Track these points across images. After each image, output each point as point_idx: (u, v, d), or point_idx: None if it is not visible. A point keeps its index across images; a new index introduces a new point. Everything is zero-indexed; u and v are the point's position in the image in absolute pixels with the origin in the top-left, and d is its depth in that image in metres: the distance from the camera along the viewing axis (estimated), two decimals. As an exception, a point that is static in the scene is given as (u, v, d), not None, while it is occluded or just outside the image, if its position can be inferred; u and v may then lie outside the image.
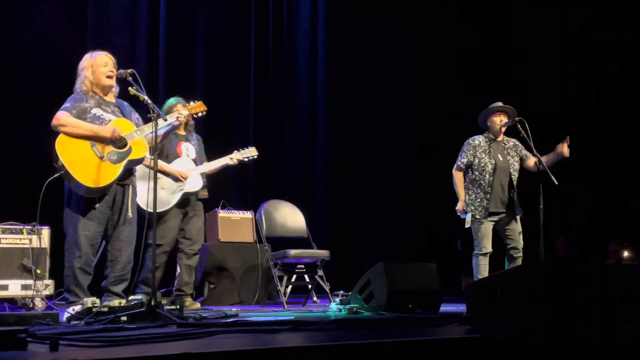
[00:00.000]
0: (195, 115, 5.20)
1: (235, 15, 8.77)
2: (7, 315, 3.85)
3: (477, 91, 8.66)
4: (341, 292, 6.05)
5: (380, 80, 9.49)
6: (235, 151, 5.87)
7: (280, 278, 6.05)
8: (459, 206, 5.84)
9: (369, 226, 9.43)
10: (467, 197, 5.80)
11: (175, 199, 5.50)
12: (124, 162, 4.53)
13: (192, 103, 5.14)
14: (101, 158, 4.44)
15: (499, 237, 5.86)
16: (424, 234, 9.32)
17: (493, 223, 5.74)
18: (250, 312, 5.16)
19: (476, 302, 3.92)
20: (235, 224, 6.94)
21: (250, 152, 5.91)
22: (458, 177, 5.88)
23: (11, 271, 5.39)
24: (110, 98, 4.71)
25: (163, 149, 5.51)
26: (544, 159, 5.64)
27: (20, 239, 5.47)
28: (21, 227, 5.48)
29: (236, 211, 7.03)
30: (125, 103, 4.81)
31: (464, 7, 9.57)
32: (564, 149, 5.59)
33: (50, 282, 5.49)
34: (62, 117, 4.45)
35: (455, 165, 5.89)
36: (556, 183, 5.36)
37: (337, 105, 9.38)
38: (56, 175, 4.41)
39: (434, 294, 5.04)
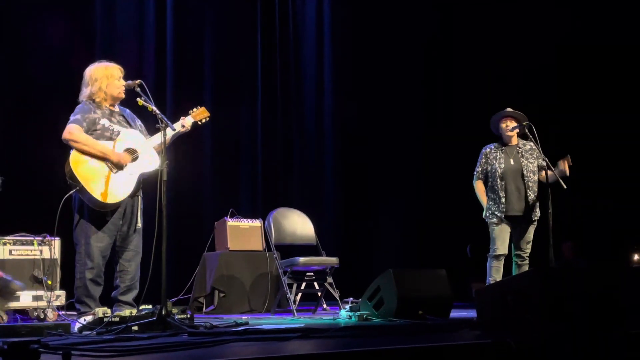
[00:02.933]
0: (199, 122, 4.91)
1: (242, 23, 8.79)
2: (19, 326, 3.87)
3: (489, 95, 8.65)
4: (351, 299, 6.05)
5: (388, 86, 9.47)
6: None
7: (290, 286, 6.05)
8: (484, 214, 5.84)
9: (378, 233, 9.41)
10: (487, 204, 5.79)
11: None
12: (137, 176, 4.55)
13: (195, 110, 4.92)
14: (115, 173, 4.45)
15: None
16: (433, 239, 9.29)
17: (509, 226, 5.72)
18: (261, 320, 5.16)
19: (487, 307, 3.91)
20: (244, 232, 6.94)
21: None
22: (478, 186, 5.90)
23: (22, 282, 5.40)
24: (115, 107, 4.72)
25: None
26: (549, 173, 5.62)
27: (31, 250, 5.49)
28: (32, 238, 5.50)
29: (245, 219, 7.03)
30: (128, 110, 4.82)
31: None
32: (565, 167, 5.55)
33: (61, 292, 5.51)
34: (75, 132, 4.42)
35: (473, 176, 5.91)
36: (565, 187, 5.35)
37: (345, 113, 9.38)
38: (72, 191, 4.42)
39: (444, 300, 5.03)
